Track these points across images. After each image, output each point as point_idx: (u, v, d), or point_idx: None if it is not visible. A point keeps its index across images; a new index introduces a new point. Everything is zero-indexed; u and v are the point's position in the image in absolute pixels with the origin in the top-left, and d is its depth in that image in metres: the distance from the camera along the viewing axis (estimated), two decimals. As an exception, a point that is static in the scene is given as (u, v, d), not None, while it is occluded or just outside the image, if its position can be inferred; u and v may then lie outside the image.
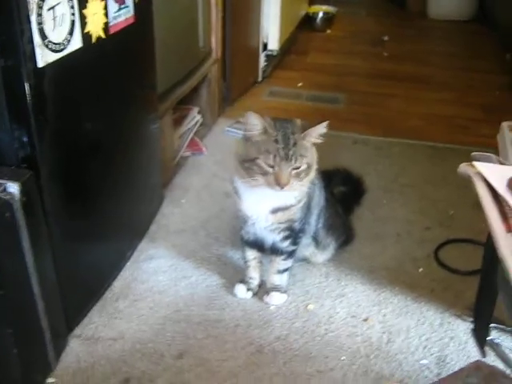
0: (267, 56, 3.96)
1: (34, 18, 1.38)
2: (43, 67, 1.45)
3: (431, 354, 1.78)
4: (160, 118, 2.35)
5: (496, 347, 1.77)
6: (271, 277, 1.97)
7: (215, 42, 3.09)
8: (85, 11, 1.59)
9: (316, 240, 2.05)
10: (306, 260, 2.13)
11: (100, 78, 1.76)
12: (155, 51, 2.17)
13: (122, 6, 1.80)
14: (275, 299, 1.95)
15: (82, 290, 1.85)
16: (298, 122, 1.71)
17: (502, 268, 0.83)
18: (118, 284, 2.01)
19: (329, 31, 5.24)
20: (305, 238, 1.98)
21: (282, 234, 1.87)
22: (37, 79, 1.44)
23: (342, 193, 2.43)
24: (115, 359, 1.72)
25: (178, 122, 2.82)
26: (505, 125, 2.50)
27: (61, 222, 1.66)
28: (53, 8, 1.45)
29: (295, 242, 1.91)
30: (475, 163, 1.07)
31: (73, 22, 1.54)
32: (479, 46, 4.98)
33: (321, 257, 2.12)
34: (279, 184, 1.63)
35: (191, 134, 2.90)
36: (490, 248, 1.02)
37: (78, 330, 1.81)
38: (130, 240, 2.17)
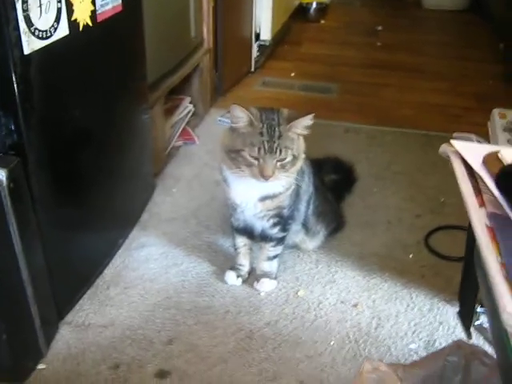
0: (260, 46, 3.96)
1: (19, 6, 1.38)
2: (29, 54, 1.45)
3: (420, 339, 1.79)
4: (151, 108, 2.36)
5: (484, 331, 1.78)
6: (261, 263, 1.98)
7: (207, 31, 3.09)
8: (71, -2, 1.59)
9: (306, 227, 2.06)
10: (296, 247, 2.14)
11: (88, 66, 1.76)
12: (145, 40, 2.17)
13: (110, -6, 1.81)
14: (265, 286, 1.96)
15: (73, 277, 1.86)
16: (285, 112, 1.71)
17: (476, 244, 0.84)
18: (109, 271, 2.02)
19: (322, 21, 5.24)
20: (294, 225, 1.99)
21: (271, 221, 1.88)
22: (23, 66, 1.44)
23: (333, 181, 2.44)
24: (105, 346, 1.73)
25: (170, 111, 2.82)
26: (495, 111, 2.52)
27: (50, 209, 1.66)
28: (38, -5, 1.45)
29: (284, 229, 1.92)
30: (453, 142, 1.08)
31: (59, 10, 1.54)
32: (473, 36, 4.99)
33: (311, 244, 2.13)
34: (263, 176, 1.65)
35: (183, 124, 2.90)
36: (471, 232, 1.03)
37: (68, 317, 1.82)
38: (121, 228, 2.17)
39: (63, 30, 1.57)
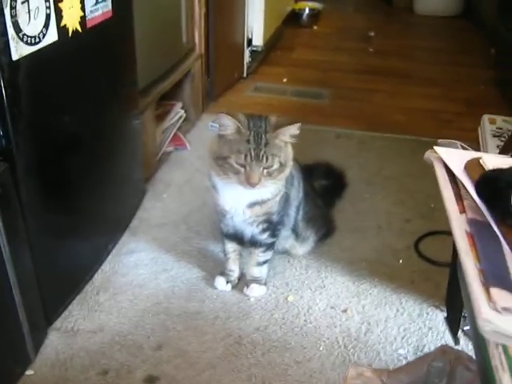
0: (252, 52, 3.97)
1: (7, 11, 1.38)
2: (18, 60, 1.45)
3: (409, 344, 1.80)
4: (141, 113, 2.36)
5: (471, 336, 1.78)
6: (251, 269, 1.99)
7: (198, 37, 3.09)
8: (60, 4, 1.59)
9: (296, 232, 2.06)
10: (286, 252, 2.14)
11: (77, 72, 1.77)
12: (135, 46, 2.17)
13: (100, 0, 1.81)
14: (255, 291, 1.96)
15: (62, 282, 1.86)
16: (273, 119, 1.72)
17: (457, 250, 0.85)
18: (98, 277, 2.02)
19: (315, 27, 5.25)
20: (284, 230, 2.00)
21: (261, 227, 1.88)
22: (11, 72, 1.44)
23: (324, 186, 2.44)
24: (94, 351, 1.73)
25: (162, 117, 2.82)
26: (485, 117, 2.54)
27: (38, 215, 1.66)
28: (27, 1, 1.45)
29: (274, 235, 1.93)
30: (436, 148, 1.09)
31: (48, 16, 1.55)
32: (465, 42, 5.00)
33: (300, 249, 2.13)
34: (250, 183, 1.65)
35: (174, 130, 2.90)
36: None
37: (57, 323, 1.82)
38: (111, 234, 2.17)
39: (52, 36, 1.58)
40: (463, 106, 3.59)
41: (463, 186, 0.99)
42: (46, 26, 1.55)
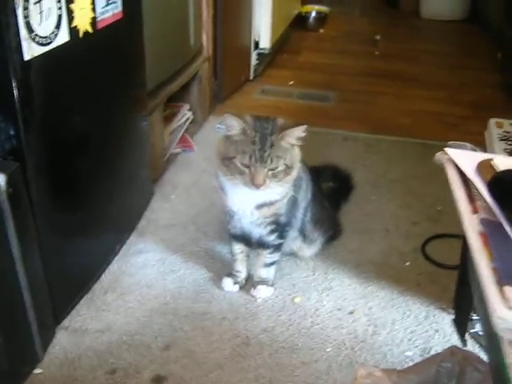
0: (259, 54, 3.97)
1: (20, 12, 1.40)
2: (29, 60, 1.46)
3: (416, 346, 1.80)
4: (150, 115, 2.37)
5: (480, 339, 1.78)
6: (258, 270, 1.99)
7: (206, 39, 3.11)
8: (72, 6, 1.60)
9: (303, 234, 2.07)
10: (293, 254, 2.14)
11: (87, 73, 1.78)
12: (144, 47, 2.18)
13: (110, 2, 1.82)
14: (262, 292, 1.97)
15: (71, 282, 1.87)
16: (280, 121, 1.72)
17: (469, 250, 0.85)
18: (106, 277, 2.03)
19: (321, 30, 5.26)
20: (292, 232, 2.00)
21: (269, 228, 1.89)
22: (23, 72, 1.46)
23: (331, 188, 2.44)
24: (102, 351, 1.73)
25: (169, 118, 2.83)
26: (492, 121, 2.54)
27: (48, 215, 1.67)
28: (39, 2, 1.46)
29: (282, 236, 1.93)
30: (447, 150, 1.10)
31: (60, 16, 1.56)
32: (471, 46, 5.01)
33: (308, 251, 2.13)
34: (254, 184, 1.66)
35: (182, 131, 2.91)
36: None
37: (65, 322, 1.83)
38: (118, 234, 2.18)
39: (63, 37, 1.59)
40: (469, 110, 3.59)
41: (475, 186, 0.99)
42: (58, 26, 1.56)
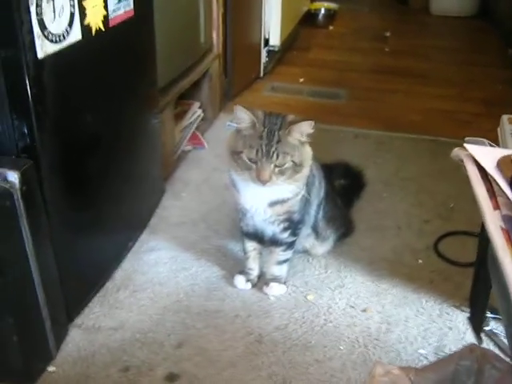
0: (269, 52, 3.97)
1: (33, 9, 1.39)
2: (43, 58, 1.46)
3: (429, 344, 1.79)
4: (161, 112, 2.37)
5: (494, 337, 1.77)
6: (271, 268, 1.99)
7: (216, 37, 3.11)
8: (84, 3, 1.60)
9: (316, 231, 2.06)
10: (306, 252, 2.14)
11: (100, 71, 1.78)
12: (156, 45, 2.18)
13: (122, -1, 1.82)
14: (274, 290, 1.96)
15: (83, 280, 1.87)
16: (290, 117, 1.72)
17: (491, 247, 0.84)
18: (118, 275, 2.03)
19: (331, 27, 5.25)
20: (304, 229, 1.99)
21: (282, 226, 1.88)
22: (36, 70, 1.45)
23: (343, 186, 2.43)
24: (115, 348, 1.73)
25: (180, 116, 2.83)
26: (505, 117, 2.51)
27: (61, 212, 1.67)
28: (52, -1, 1.46)
29: (295, 233, 1.93)
30: (467, 145, 1.09)
31: (72, 14, 1.55)
32: (481, 42, 4.99)
33: (320, 248, 2.13)
34: (260, 180, 1.65)
35: (192, 129, 2.91)
36: (484, 236, 1.03)
37: (78, 320, 1.83)
38: (130, 231, 2.18)
39: (76, 35, 1.59)
40: (481, 107, 3.58)
41: (496, 183, 0.98)
42: (70, 24, 1.56)
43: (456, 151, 1.12)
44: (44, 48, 1.46)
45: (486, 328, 1.78)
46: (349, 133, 3.16)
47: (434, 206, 2.49)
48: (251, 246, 1.98)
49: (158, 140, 2.34)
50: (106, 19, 1.74)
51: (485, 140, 1.18)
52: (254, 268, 2.00)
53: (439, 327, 1.85)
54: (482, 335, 1.78)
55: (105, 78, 1.82)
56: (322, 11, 5.24)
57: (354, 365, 1.71)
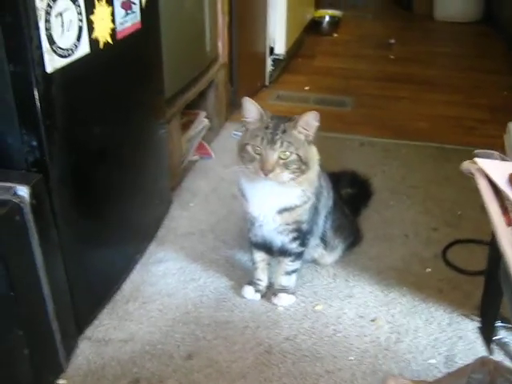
0: (274, 60, 3.98)
1: (42, 24, 1.41)
2: (52, 73, 1.47)
3: (439, 354, 1.78)
4: (168, 123, 2.37)
5: (504, 346, 1.77)
6: (279, 278, 1.99)
7: (222, 46, 3.11)
8: (92, 17, 1.61)
9: (324, 241, 2.06)
10: (314, 262, 2.14)
11: (108, 83, 1.79)
12: (162, 56, 2.19)
13: (129, 12, 1.83)
14: (283, 300, 1.96)
15: (92, 292, 1.87)
16: (296, 117, 1.73)
17: (504, 263, 0.84)
18: (127, 286, 2.03)
19: (335, 35, 5.25)
20: (313, 240, 2.00)
21: (291, 236, 1.88)
22: (45, 84, 1.46)
23: (350, 194, 2.43)
24: (125, 360, 1.74)
25: (186, 126, 2.83)
26: (511, 125, 2.51)
27: (70, 225, 1.68)
28: (61, 14, 1.47)
29: (303, 244, 1.93)
30: (477, 159, 1.09)
31: (80, 28, 1.56)
32: (486, 48, 4.98)
33: (329, 258, 2.13)
34: (263, 169, 1.65)
35: (199, 138, 2.92)
36: (494, 246, 1.03)
37: (88, 332, 1.83)
38: (138, 243, 2.19)
39: (84, 48, 1.60)
40: (487, 113, 3.57)
41: (508, 198, 0.98)
42: (78, 38, 1.57)
43: (466, 164, 1.12)
44: (52, 62, 1.47)
45: (497, 337, 1.78)
46: (355, 141, 3.16)
47: (441, 214, 2.49)
48: (260, 256, 1.99)
49: (165, 150, 2.35)
50: (113, 32, 1.75)
51: (495, 152, 1.18)
52: (262, 279, 2.01)
53: (449, 336, 1.85)
54: (492, 345, 1.77)
55: (112, 89, 1.82)
56: (327, 19, 5.25)
57: (364, 375, 1.71)
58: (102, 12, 1.66)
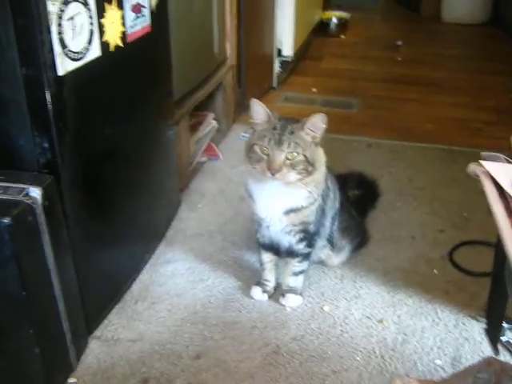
0: (282, 62, 4.00)
1: (54, 28, 1.43)
2: (63, 76, 1.49)
3: (446, 354, 1.79)
4: (176, 124, 2.39)
5: (510, 347, 1.78)
6: (287, 279, 2.00)
7: (230, 48, 3.13)
8: (103, 20, 1.63)
9: (331, 242, 2.07)
10: (321, 263, 2.15)
11: (118, 86, 1.81)
12: (171, 59, 2.21)
13: (139, 15, 1.85)
14: (291, 301, 1.98)
15: (102, 292, 1.89)
16: (304, 119, 1.75)
17: (509, 265, 0.86)
18: (136, 287, 2.05)
19: (343, 37, 5.27)
20: (320, 241, 2.01)
21: (298, 237, 1.90)
22: (57, 87, 1.48)
23: (357, 196, 2.45)
24: (134, 360, 1.76)
25: (195, 127, 2.85)
26: (518, 127, 2.52)
27: (81, 226, 1.70)
28: (72, 18, 1.49)
29: (310, 245, 1.94)
30: (483, 162, 1.10)
31: (91, 31, 1.59)
32: (493, 49, 4.99)
33: (336, 259, 2.14)
34: (270, 169, 1.67)
35: (207, 140, 2.94)
36: (500, 248, 1.04)
37: (98, 332, 1.85)
38: (147, 244, 2.21)
39: (95, 51, 1.62)
40: (494, 115, 3.58)
41: (513, 200, 0.99)
42: (90, 41, 1.59)
43: (472, 167, 1.14)
44: (64, 65, 1.49)
45: (503, 338, 1.79)
46: (362, 142, 3.18)
47: (447, 216, 2.50)
48: (267, 257, 2.00)
49: (174, 152, 2.37)
50: (123, 35, 1.76)
51: (501, 155, 1.19)
52: (270, 279, 2.02)
53: (455, 337, 1.86)
54: (498, 345, 1.78)
55: (123, 91, 1.85)
56: (334, 20, 5.27)
57: (371, 376, 1.72)
58: (112, 15, 1.68)
